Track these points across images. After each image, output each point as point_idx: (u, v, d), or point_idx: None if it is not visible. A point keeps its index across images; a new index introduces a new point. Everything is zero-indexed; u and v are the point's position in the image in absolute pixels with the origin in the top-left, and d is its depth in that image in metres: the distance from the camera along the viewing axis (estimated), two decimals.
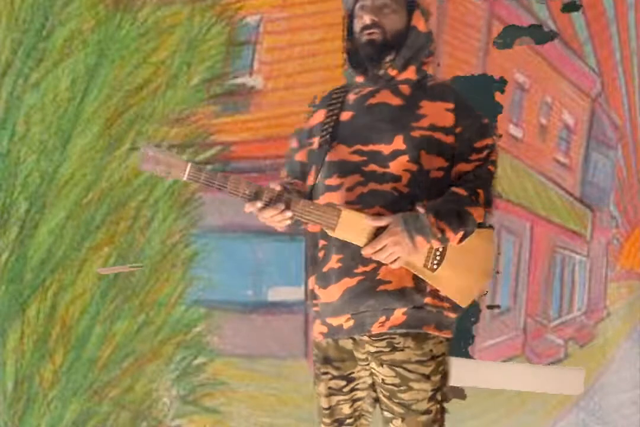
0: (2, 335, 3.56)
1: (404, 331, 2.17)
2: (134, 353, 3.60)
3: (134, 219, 3.60)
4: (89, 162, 3.59)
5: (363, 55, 2.28)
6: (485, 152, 2.25)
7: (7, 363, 3.55)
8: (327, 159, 2.25)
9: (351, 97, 2.33)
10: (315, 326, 2.34)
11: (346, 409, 2.31)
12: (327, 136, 2.26)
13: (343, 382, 2.29)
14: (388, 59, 2.28)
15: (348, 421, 2.32)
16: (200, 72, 3.62)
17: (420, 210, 2.11)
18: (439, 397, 2.21)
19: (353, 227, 2.13)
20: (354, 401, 2.31)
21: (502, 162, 3.60)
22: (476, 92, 3.51)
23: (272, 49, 3.61)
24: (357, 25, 2.30)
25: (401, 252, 2.11)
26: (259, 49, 3.61)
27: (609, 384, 3.66)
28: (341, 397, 2.30)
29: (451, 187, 2.20)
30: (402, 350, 2.18)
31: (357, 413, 2.33)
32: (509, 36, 3.55)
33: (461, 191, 2.17)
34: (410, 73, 2.30)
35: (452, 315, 2.23)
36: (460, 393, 3.56)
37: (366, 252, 2.12)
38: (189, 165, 2.08)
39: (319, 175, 2.26)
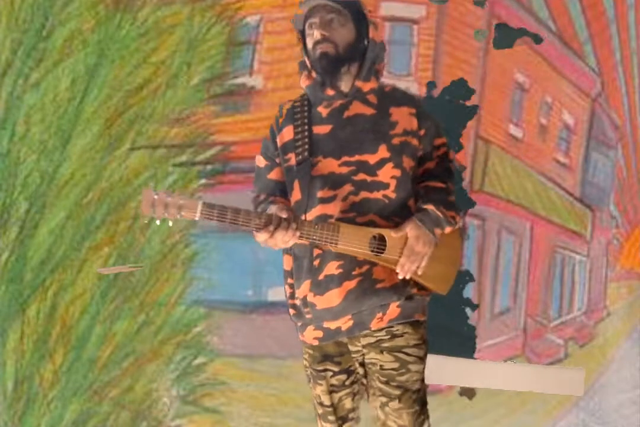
0: (2, 335, 3.56)
1: (400, 322, 2.33)
2: (134, 353, 3.60)
3: (134, 219, 3.60)
4: (89, 162, 3.59)
5: (319, 69, 2.36)
6: (442, 149, 2.48)
7: (7, 363, 3.55)
8: (314, 173, 2.32)
9: (322, 110, 2.39)
10: (307, 332, 2.40)
11: (348, 404, 2.41)
12: (306, 152, 2.33)
13: (344, 376, 2.39)
14: (343, 70, 2.36)
15: (351, 415, 2.42)
16: (200, 72, 3.62)
17: (429, 206, 2.34)
18: (422, 369, 2.38)
19: (352, 239, 2.26)
20: (355, 394, 2.41)
21: (502, 162, 3.61)
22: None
23: (272, 49, 3.61)
24: (310, 42, 2.38)
25: (429, 249, 2.32)
26: (259, 49, 3.62)
27: (609, 384, 3.66)
28: (343, 392, 2.39)
29: (423, 182, 2.42)
30: (401, 336, 2.33)
31: (356, 406, 2.43)
32: (507, 36, 3.55)
33: (438, 184, 2.41)
34: (373, 83, 2.42)
35: (428, 298, 2.43)
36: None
37: (403, 262, 2.29)
38: (200, 203, 2.11)
39: (307, 190, 2.33)
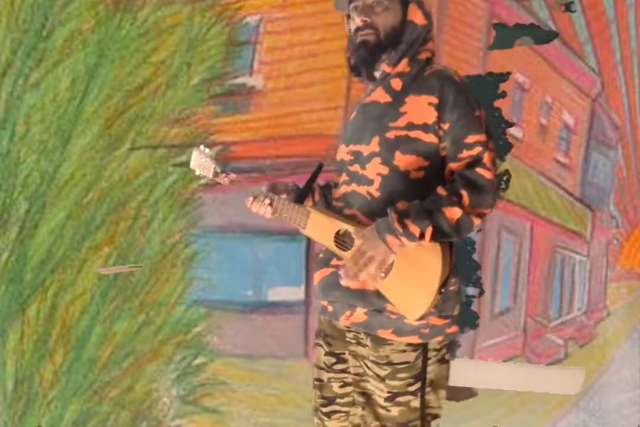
0: (2, 335, 3.56)
1: (362, 329, 2.21)
2: (134, 353, 3.60)
3: (134, 219, 3.60)
4: (89, 162, 3.59)
5: (357, 57, 2.23)
6: (476, 149, 2.10)
7: (7, 363, 3.55)
8: (336, 158, 2.35)
9: (364, 95, 2.34)
10: None
11: (336, 388, 2.32)
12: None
13: (333, 359, 2.32)
14: (383, 58, 2.22)
15: (339, 400, 2.32)
16: (200, 72, 3.63)
17: (388, 210, 2.08)
18: (402, 400, 2.19)
19: (320, 228, 2.22)
20: (346, 383, 2.31)
21: (503, 163, 3.60)
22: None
23: (272, 49, 3.61)
24: (352, 27, 2.26)
25: (379, 254, 2.08)
26: (259, 49, 3.62)
27: (609, 384, 3.66)
28: (332, 375, 2.32)
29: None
30: (363, 346, 2.23)
31: (350, 398, 2.31)
32: (509, 36, 3.55)
33: (441, 191, 2.07)
34: (403, 66, 2.21)
35: (414, 322, 2.16)
36: (468, 393, 3.56)
37: (349, 264, 2.11)
38: (213, 166, 2.42)
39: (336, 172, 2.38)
